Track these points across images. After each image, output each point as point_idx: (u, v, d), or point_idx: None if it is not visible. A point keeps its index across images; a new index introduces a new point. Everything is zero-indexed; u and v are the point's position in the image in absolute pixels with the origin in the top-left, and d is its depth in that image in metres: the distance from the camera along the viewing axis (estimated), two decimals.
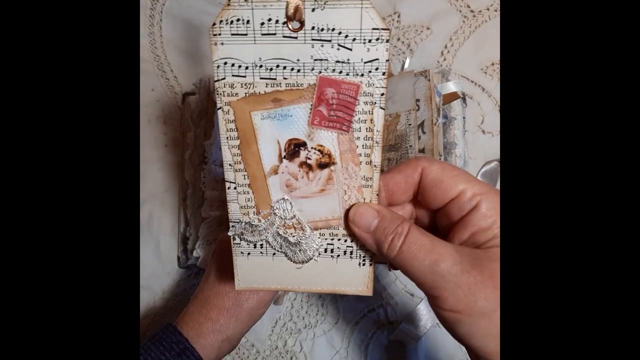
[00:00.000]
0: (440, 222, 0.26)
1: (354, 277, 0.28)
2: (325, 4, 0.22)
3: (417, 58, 0.56)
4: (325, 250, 0.27)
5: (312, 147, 0.25)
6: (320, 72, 0.24)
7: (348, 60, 0.23)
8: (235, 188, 0.26)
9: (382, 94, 0.24)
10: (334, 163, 0.25)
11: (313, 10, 0.22)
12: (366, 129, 0.25)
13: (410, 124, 0.45)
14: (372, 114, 0.24)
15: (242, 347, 0.52)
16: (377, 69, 0.23)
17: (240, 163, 0.26)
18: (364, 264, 0.28)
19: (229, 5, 0.22)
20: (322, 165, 0.25)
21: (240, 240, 0.27)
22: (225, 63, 0.24)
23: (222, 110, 0.25)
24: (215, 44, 0.23)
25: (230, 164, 0.26)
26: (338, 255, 0.27)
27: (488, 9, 0.54)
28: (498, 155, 0.53)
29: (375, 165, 0.25)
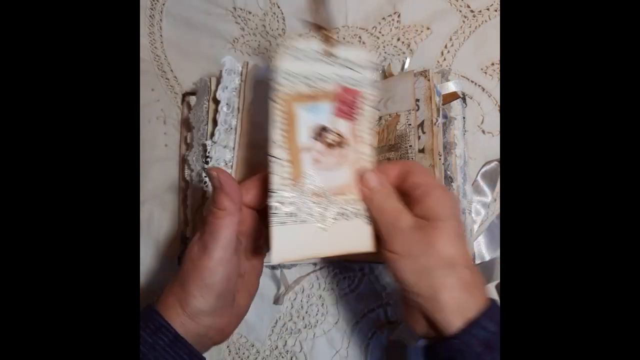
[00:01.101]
0: (405, 198, 0.34)
1: (362, 237, 0.35)
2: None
3: (417, 58, 0.56)
4: (342, 214, 0.35)
5: (332, 132, 0.35)
6: (340, 82, 0.35)
7: (355, 77, 0.36)
8: (278, 163, 0.33)
9: (374, 99, 0.37)
10: (346, 143, 0.35)
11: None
12: (367, 120, 0.36)
13: (410, 124, 0.45)
14: (369, 111, 0.36)
15: (242, 347, 0.52)
16: (370, 83, 0.36)
17: (285, 143, 0.34)
18: (369, 224, 0.35)
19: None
20: (339, 144, 0.35)
21: (277, 210, 0.33)
22: (283, 73, 0.34)
23: (278, 103, 0.34)
24: (281, 57, 0.34)
25: (276, 143, 0.33)
26: (348, 218, 0.35)
27: (488, 9, 0.54)
28: (498, 155, 0.53)
29: (371, 145, 0.36)
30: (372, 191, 0.34)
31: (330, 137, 0.35)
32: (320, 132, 0.35)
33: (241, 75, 0.46)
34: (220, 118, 0.45)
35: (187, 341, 0.33)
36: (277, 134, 0.34)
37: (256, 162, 0.46)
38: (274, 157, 0.33)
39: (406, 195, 0.34)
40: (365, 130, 0.36)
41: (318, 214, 0.34)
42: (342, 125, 0.35)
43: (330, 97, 0.35)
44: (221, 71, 0.46)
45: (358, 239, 0.35)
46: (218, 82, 0.46)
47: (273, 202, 0.33)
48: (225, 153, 0.45)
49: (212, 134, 0.45)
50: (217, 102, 0.46)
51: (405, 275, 0.31)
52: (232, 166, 0.45)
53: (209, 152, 0.45)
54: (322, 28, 0.36)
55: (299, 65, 0.34)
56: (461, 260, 0.31)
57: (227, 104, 0.45)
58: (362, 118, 0.36)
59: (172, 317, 0.33)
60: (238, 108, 0.46)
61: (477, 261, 0.51)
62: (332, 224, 0.34)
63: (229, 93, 0.46)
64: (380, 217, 0.34)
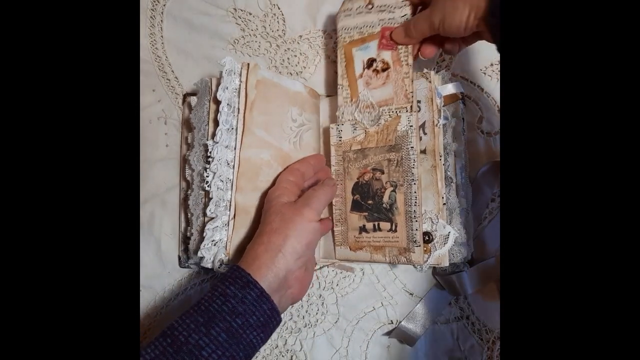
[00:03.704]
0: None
1: None
2: None
3: (418, 60, 0.56)
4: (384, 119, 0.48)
5: (379, 61, 0.48)
6: (381, 24, 0.48)
7: (394, 17, 0.47)
8: (342, 88, 0.50)
9: None
10: (389, 67, 0.48)
11: None
12: (405, 46, 0.47)
13: (411, 125, 0.45)
14: None
15: None
16: (406, 18, 0.47)
17: (345, 75, 0.50)
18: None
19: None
20: (383, 69, 0.48)
21: (341, 117, 0.50)
22: (342, 28, 0.50)
23: (340, 50, 0.50)
24: (340, 19, 0.50)
25: (341, 76, 0.50)
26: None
27: None
28: (498, 155, 0.53)
29: (410, 65, 0.47)
30: (404, 38, 0.46)
31: (377, 65, 0.48)
32: (370, 63, 0.48)
33: (240, 75, 0.46)
34: (221, 118, 0.45)
35: (270, 297, 0.37)
36: (340, 70, 0.50)
37: (258, 162, 0.46)
38: (339, 84, 0.50)
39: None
40: (404, 55, 0.47)
41: (367, 120, 0.48)
42: (386, 55, 0.48)
43: (376, 37, 0.48)
44: (221, 72, 0.46)
45: None
46: (218, 83, 0.46)
47: (338, 114, 0.50)
48: (227, 153, 0.45)
49: (214, 135, 0.45)
50: (217, 102, 0.46)
51: (454, 22, 0.40)
52: (234, 166, 0.45)
53: (210, 152, 0.45)
54: None
55: (352, 20, 0.49)
56: None
57: (227, 104, 0.46)
58: (402, 46, 0.47)
59: (259, 277, 0.37)
60: (238, 108, 0.46)
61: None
62: (370, 128, 0.48)
63: (230, 93, 0.46)
64: (417, 33, 0.45)
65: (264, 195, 0.46)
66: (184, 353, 0.33)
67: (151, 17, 0.58)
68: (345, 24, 0.49)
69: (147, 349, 0.33)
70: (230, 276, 0.37)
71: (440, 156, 0.46)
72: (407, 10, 0.46)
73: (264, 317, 0.36)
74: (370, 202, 0.47)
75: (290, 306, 0.52)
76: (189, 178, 0.50)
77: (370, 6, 0.48)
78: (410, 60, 0.47)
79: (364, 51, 0.49)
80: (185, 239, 0.51)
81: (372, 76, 0.48)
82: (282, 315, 0.51)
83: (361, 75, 0.49)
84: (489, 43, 0.54)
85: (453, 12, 0.40)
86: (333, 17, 0.57)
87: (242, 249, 0.44)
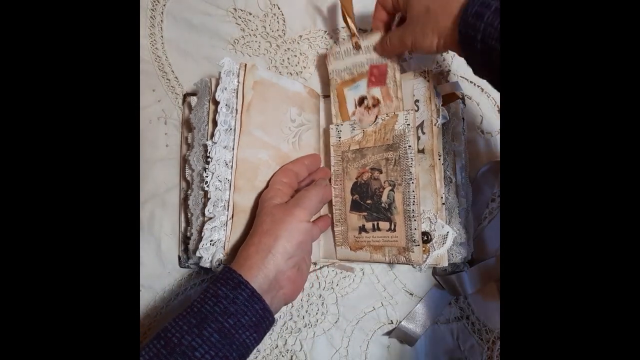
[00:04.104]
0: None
1: None
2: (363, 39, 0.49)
3: (417, 58, 0.56)
4: None
5: (369, 97, 0.50)
6: (369, 63, 0.49)
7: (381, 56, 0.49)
8: (337, 125, 0.51)
9: (398, 64, 0.48)
10: (380, 103, 0.49)
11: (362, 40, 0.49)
12: (394, 81, 0.48)
13: (409, 124, 0.45)
14: (395, 74, 0.48)
15: None
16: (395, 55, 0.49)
17: (339, 114, 0.51)
18: None
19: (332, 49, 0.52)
20: (374, 105, 0.49)
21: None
22: (333, 71, 0.52)
23: (333, 91, 0.52)
24: (330, 62, 0.52)
25: (335, 116, 0.52)
26: None
27: None
28: (498, 155, 0.53)
29: (400, 99, 0.48)
30: (381, 51, 0.48)
31: (368, 102, 0.49)
32: (362, 101, 0.50)
33: (238, 76, 0.46)
34: (220, 119, 0.45)
35: (261, 297, 0.37)
36: (334, 111, 0.51)
37: (256, 162, 0.46)
38: (336, 124, 0.51)
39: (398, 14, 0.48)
40: (393, 89, 0.48)
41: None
42: (376, 92, 0.49)
43: (365, 75, 0.50)
44: (220, 72, 0.46)
45: None
46: (218, 83, 0.46)
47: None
48: (225, 153, 0.45)
49: (213, 135, 0.45)
50: (217, 103, 0.46)
51: (424, 46, 0.41)
52: (232, 166, 0.45)
53: (209, 153, 0.45)
54: (353, 34, 0.49)
55: (342, 63, 0.51)
56: None
57: (226, 105, 0.46)
58: (390, 81, 0.48)
59: (250, 278, 0.37)
60: (236, 109, 0.46)
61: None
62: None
63: (228, 94, 0.46)
64: (392, 48, 0.46)
65: None
66: (177, 354, 0.33)
67: (151, 17, 0.58)
68: (335, 66, 0.51)
69: (141, 352, 0.34)
70: (222, 277, 0.37)
71: (440, 156, 0.46)
72: None
73: (256, 317, 0.37)
74: (369, 201, 0.47)
75: (291, 306, 0.52)
76: (189, 178, 0.50)
77: (358, 48, 0.49)
78: (400, 94, 0.47)
79: (355, 90, 0.50)
80: (185, 239, 0.51)
81: (364, 113, 0.49)
82: (281, 315, 0.51)
83: (354, 114, 0.50)
84: None
85: (422, 38, 0.41)
86: (333, 17, 0.57)
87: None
